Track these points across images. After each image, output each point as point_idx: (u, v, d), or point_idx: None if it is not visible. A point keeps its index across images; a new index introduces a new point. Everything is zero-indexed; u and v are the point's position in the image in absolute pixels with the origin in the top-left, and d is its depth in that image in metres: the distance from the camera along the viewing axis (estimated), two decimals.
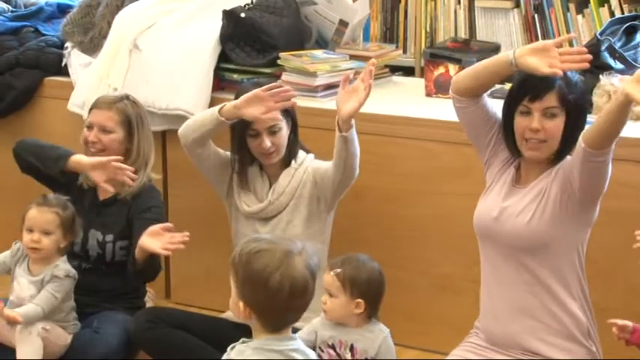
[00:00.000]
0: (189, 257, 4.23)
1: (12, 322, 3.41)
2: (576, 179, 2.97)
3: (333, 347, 3.14)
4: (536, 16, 4.70)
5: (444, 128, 3.73)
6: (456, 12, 4.93)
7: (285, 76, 4.05)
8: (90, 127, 3.76)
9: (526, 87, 3.04)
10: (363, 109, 3.57)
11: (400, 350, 3.27)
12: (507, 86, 3.29)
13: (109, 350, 3.52)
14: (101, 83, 4.23)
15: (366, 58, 4.15)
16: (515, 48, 3.10)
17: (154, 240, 3.43)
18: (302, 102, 3.85)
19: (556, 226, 3.05)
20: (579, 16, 4.62)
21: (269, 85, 3.51)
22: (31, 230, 3.51)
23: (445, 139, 3.73)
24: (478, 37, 4.83)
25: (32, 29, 4.75)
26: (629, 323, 2.94)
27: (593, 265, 3.28)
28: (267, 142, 3.51)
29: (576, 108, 3.04)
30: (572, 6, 4.64)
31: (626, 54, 3.83)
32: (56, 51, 4.56)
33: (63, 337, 3.54)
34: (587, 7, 4.61)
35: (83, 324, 3.62)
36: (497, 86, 3.89)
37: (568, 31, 4.64)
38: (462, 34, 4.88)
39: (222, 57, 4.19)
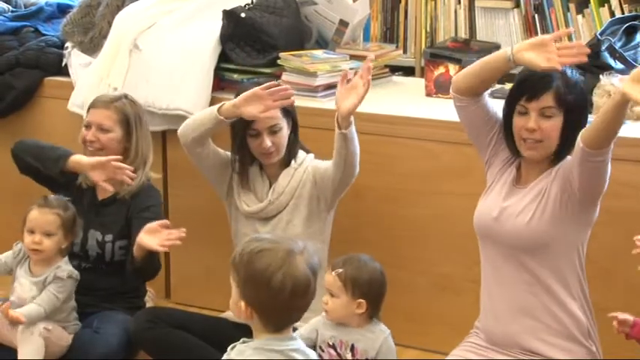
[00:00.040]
0: (189, 257, 4.24)
1: (15, 323, 3.41)
2: (576, 179, 2.97)
3: (333, 347, 3.14)
4: (536, 16, 4.71)
5: (444, 128, 3.73)
6: (456, 12, 4.93)
7: (285, 76, 4.05)
8: (88, 126, 3.77)
9: (523, 87, 3.06)
10: (362, 109, 3.58)
11: (400, 350, 3.27)
12: (508, 86, 3.29)
13: (109, 350, 3.52)
14: (101, 83, 4.22)
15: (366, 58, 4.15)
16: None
17: (151, 237, 3.44)
18: (302, 102, 3.85)
19: (556, 226, 3.05)
20: (579, 16, 4.62)
21: (267, 84, 3.51)
22: (32, 232, 3.51)
23: (445, 139, 3.73)
24: (478, 37, 4.84)
25: (32, 29, 4.75)
26: (630, 317, 2.94)
27: (594, 265, 3.28)
28: (268, 141, 3.51)
29: (575, 108, 3.03)
30: (572, 6, 4.64)
31: (626, 54, 3.83)
32: (56, 51, 4.56)
33: (64, 338, 3.55)
34: (587, 7, 4.61)
35: (83, 324, 3.62)
36: (498, 86, 3.91)
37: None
38: (462, 34, 4.88)
39: (223, 57, 4.19)
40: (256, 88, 3.48)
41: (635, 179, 3.47)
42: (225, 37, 4.18)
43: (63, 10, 4.85)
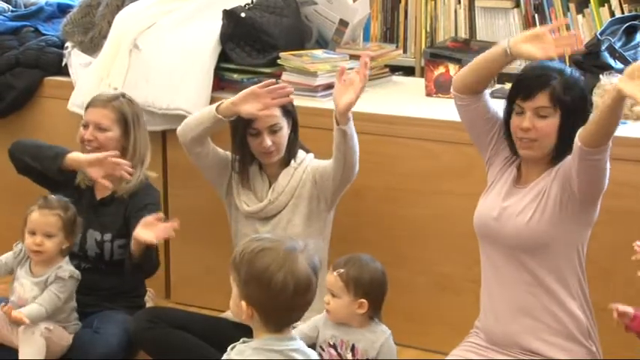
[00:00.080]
0: (189, 257, 4.24)
1: (18, 323, 3.41)
2: (575, 179, 2.97)
3: (334, 347, 3.14)
4: (536, 15, 4.71)
5: (444, 128, 3.74)
6: (456, 12, 4.93)
7: (285, 76, 4.05)
8: (86, 125, 3.77)
9: (520, 86, 3.07)
10: (363, 109, 3.59)
11: (400, 350, 3.27)
12: (508, 86, 3.30)
13: (109, 350, 3.52)
14: (101, 83, 4.22)
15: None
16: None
17: (147, 231, 3.45)
18: (302, 102, 3.85)
19: (556, 226, 3.05)
20: (579, 16, 4.62)
21: (265, 82, 3.51)
22: (33, 233, 3.51)
23: (445, 139, 3.73)
24: (478, 37, 4.84)
25: (32, 29, 4.75)
26: (630, 309, 2.93)
27: (594, 265, 3.28)
28: (268, 141, 3.51)
29: (573, 109, 3.03)
30: (572, 6, 4.64)
31: (626, 54, 3.83)
32: (56, 51, 4.56)
33: (64, 338, 3.55)
34: (587, 7, 4.61)
35: (83, 324, 3.62)
36: (498, 86, 3.92)
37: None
38: (462, 33, 4.89)
39: (223, 57, 4.19)
40: (254, 87, 3.48)
41: (635, 179, 3.47)
42: (225, 37, 4.18)
43: (63, 9, 4.85)
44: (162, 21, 4.28)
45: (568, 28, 4.27)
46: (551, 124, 3.03)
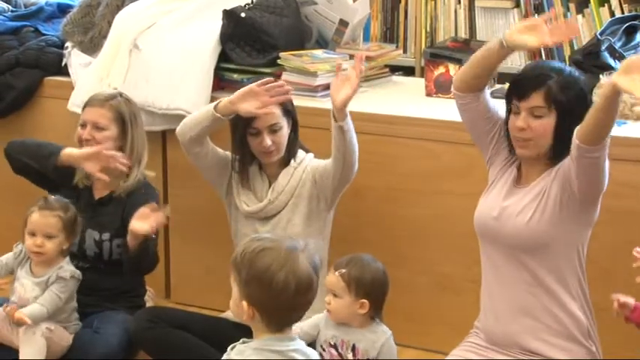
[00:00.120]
0: (189, 257, 4.24)
1: (20, 324, 3.41)
2: (574, 178, 2.97)
3: (335, 347, 3.14)
4: (536, 15, 4.70)
5: (444, 128, 3.74)
6: (456, 12, 4.94)
7: (285, 76, 4.05)
8: (83, 125, 3.77)
9: (515, 86, 3.08)
10: (363, 109, 3.58)
11: (400, 350, 3.27)
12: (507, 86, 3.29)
13: (110, 350, 3.52)
14: (101, 83, 4.22)
15: (366, 58, 4.15)
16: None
17: (142, 222, 3.46)
18: (302, 102, 3.85)
19: (556, 226, 3.04)
20: (579, 16, 4.63)
21: (263, 80, 3.51)
22: (33, 234, 3.51)
23: (445, 139, 3.73)
24: (478, 37, 4.84)
25: (32, 29, 4.75)
26: (631, 300, 2.92)
27: (594, 265, 3.28)
28: (268, 140, 3.51)
29: (570, 109, 3.01)
30: (572, 6, 4.64)
31: (626, 54, 3.83)
32: (56, 51, 4.56)
33: (65, 338, 3.54)
34: (587, 7, 4.62)
35: (83, 324, 3.62)
36: (498, 86, 3.92)
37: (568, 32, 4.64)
38: (462, 33, 4.89)
39: (223, 57, 4.19)
40: (252, 85, 3.49)
41: (635, 179, 3.46)
42: (225, 37, 4.18)
43: (63, 9, 4.85)
44: (162, 21, 4.28)
45: (571, 43, 4.27)
46: (546, 124, 3.03)
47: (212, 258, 4.10)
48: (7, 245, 3.67)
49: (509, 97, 3.08)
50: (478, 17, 4.89)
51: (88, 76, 4.32)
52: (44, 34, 4.70)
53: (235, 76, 4.15)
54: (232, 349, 2.52)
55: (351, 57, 4.17)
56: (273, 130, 3.52)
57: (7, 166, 3.92)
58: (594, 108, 2.83)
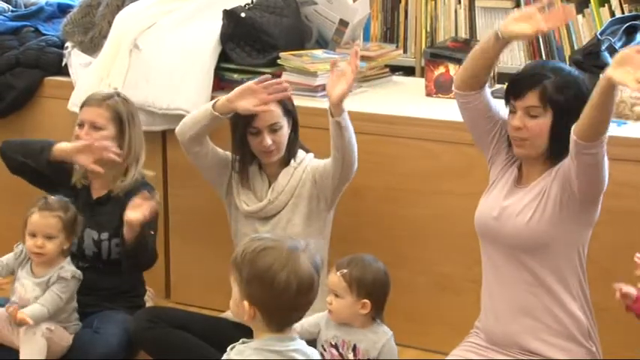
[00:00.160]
0: (189, 257, 4.24)
1: (21, 324, 3.41)
2: (574, 178, 2.96)
3: (336, 347, 3.14)
4: None
5: (444, 128, 3.74)
6: (456, 12, 4.94)
7: (285, 76, 4.05)
8: (81, 124, 3.76)
9: (512, 86, 3.08)
10: (363, 109, 3.58)
11: (400, 350, 3.27)
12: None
13: (109, 350, 3.52)
14: (101, 83, 4.22)
15: (366, 58, 4.16)
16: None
17: (135, 212, 3.48)
18: (302, 102, 3.85)
19: (556, 226, 3.04)
20: (579, 16, 4.63)
21: (261, 78, 3.52)
22: (34, 235, 3.51)
23: (445, 139, 3.73)
24: (478, 37, 4.84)
25: (32, 29, 4.75)
26: (634, 291, 2.90)
27: (594, 265, 3.28)
28: (268, 140, 3.51)
29: (567, 109, 3.00)
30: (572, 6, 4.63)
31: None
32: (56, 51, 4.56)
33: (65, 338, 3.54)
34: (587, 7, 4.62)
35: (83, 324, 3.62)
36: (498, 86, 3.92)
37: (569, 32, 4.65)
38: (463, 33, 4.89)
39: (223, 57, 4.19)
40: (250, 82, 3.49)
41: (635, 179, 3.46)
42: (226, 37, 4.18)
43: (63, 9, 4.86)
44: (163, 21, 4.28)
45: (572, 44, 4.26)
46: (542, 123, 3.03)
47: (212, 258, 4.10)
48: (7, 246, 3.67)
49: (507, 96, 3.09)
50: (478, 17, 4.89)
51: (88, 76, 4.32)
52: (44, 34, 4.71)
53: (235, 76, 4.15)
54: (232, 349, 2.52)
55: None
56: (274, 129, 3.52)
57: (4, 167, 3.92)
58: (590, 104, 2.83)
